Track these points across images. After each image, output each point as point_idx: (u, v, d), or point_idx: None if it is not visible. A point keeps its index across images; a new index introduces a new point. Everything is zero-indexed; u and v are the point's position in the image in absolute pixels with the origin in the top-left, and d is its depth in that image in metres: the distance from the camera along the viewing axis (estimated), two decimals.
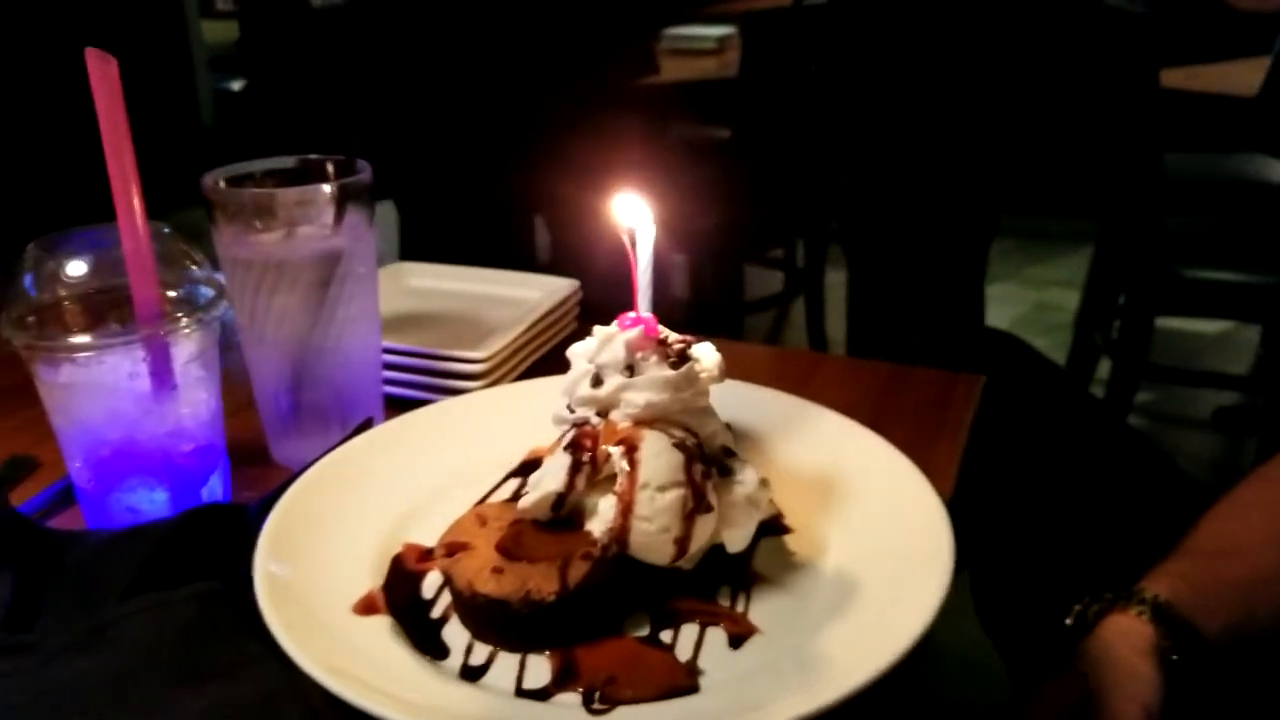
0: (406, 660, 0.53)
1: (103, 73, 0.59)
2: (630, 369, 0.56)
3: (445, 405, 0.76)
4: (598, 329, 0.58)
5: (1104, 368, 2.55)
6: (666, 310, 0.58)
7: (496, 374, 0.83)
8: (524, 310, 0.90)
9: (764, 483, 0.59)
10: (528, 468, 0.69)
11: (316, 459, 0.67)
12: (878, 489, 0.65)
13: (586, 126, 2.08)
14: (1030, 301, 3.56)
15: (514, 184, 2.23)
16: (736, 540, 0.58)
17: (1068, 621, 0.78)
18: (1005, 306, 3.43)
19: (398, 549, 0.62)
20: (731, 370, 0.60)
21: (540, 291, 0.95)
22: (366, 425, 0.74)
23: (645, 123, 2.51)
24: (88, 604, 0.57)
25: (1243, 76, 2.40)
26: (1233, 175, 2.54)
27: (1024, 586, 0.96)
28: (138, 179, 0.61)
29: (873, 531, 0.61)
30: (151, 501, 0.65)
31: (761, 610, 0.57)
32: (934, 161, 2.01)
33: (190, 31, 4.75)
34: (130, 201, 0.61)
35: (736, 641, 0.55)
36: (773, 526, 0.62)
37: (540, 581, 0.54)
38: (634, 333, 0.55)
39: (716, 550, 0.58)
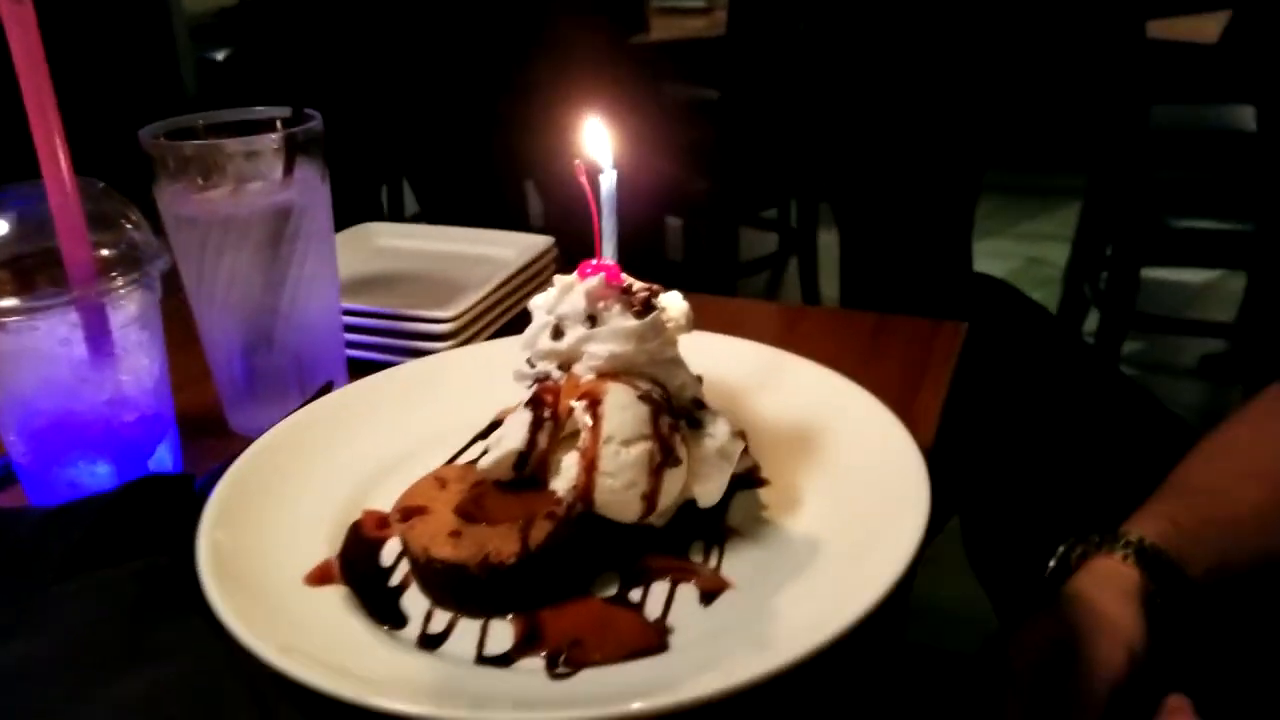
0: (361, 632, 0.50)
1: (17, 17, 0.55)
2: (592, 319, 0.52)
3: (411, 367, 0.73)
4: (558, 278, 0.55)
5: (1093, 320, 2.53)
6: (664, 273, 0.54)
7: (465, 334, 0.79)
8: (495, 269, 0.87)
9: (739, 435, 0.56)
10: (496, 430, 0.66)
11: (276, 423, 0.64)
12: (856, 439, 0.62)
13: (575, 86, 2.03)
14: (1021, 256, 3.53)
15: (505, 146, 2.19)
16: (708, 495, 0.55)
17: (1051, 564, 0.76)
18: (996, 261, 3.41)
19: (358, 516, 0.59)
20: (716, 325, 0.57)
21: (514, 249, 0.91)
22: (327, 389, 0.70)
23: (636, 83, 2.45)
24: (21, 586, 0.54)
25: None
26: (1214, 125, 2.50)
27: (1013, 529, 0.94)
28: (61, 130, 0.57)
29: (850, 483, 0.58)
30: (94, 475, 0.62)
31: (735, 565, 0.54)
32: (919, 116, 1.98)
33: (171, 1, 4.66)
34: (55, 153, 0.57)
35: (708, 598, 0.52)
36: (748, 480, 0.60)
37: (500, 544, 0.51)
38: (594, 281, 0.52)
39: (689, 505, 0.56)
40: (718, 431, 0.55)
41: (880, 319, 0.88)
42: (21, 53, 0.56)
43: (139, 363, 0.61)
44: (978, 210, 2.20)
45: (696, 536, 0.56)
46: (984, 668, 0.70)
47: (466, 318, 0.79)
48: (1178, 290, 3.10)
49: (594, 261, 0.54)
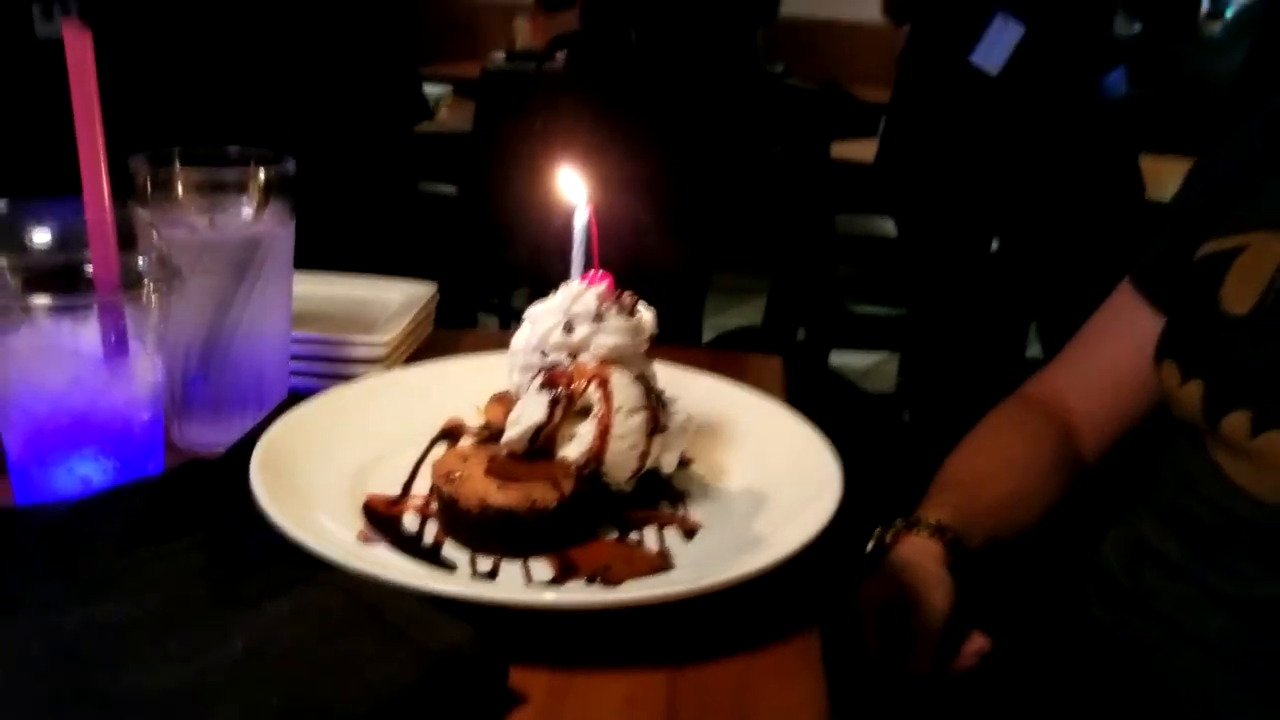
0: (425, 571, 0.60)
1: (77, 44, 0.62)
2: (599, 317, 0.67)
3: (368, 382, 0.81)
4: (562, 287, 0.69)
5: None
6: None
7: (391, 359, 0.89)
8: (395, 307, 0.97)
9: (689, 416, 0.72)
10: (450, 434, 0.77)
11: (248, 438, 0.70)
12: (756, 429, 0.79)
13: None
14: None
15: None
16: (670, 461, 0.70)
17: (870, 544, 0.97)
18: None
19: (358, 501, 0.68)
20: None
21: (399, 293, 1.01)
22: (289, 404, 0.77)
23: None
24: (80, 560, 0.58)
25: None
26: (877, 231, 3.03)
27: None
28: (105, 153, 0.63)
29: (761, 458, 0.76)
30: (102, 470, 0.66)
31: (697, 512, 0.70)
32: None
33: None
34: (99, 175, 0.63)
35: (690, 534, 0.67)
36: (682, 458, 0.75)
37: (540, 493, 0.63)
38: (602, 286, 0.67)
39: (648, 474, 0.70)
40: (679, 410, 0.71)
41: (716, 354, 1.07)
42: (77, 78, 0.62)
43: (152, 366, 0.67)
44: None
45: (659, 497, 0.71)
46: (838, 616, 0.89)
47: (394, 343, 0.89)
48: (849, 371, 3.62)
49: (594, 273, 0.69)
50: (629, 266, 2.05)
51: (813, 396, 1.29)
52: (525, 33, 4.63)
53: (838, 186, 2.84)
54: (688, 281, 2.36)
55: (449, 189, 2.88)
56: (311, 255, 0.91)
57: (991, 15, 2.27)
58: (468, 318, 2.83)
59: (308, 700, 0.47)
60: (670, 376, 0.85)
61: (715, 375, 0.86)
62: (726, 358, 1.07)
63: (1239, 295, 0.84)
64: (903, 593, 0.88)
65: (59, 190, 0.65)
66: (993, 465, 1.04)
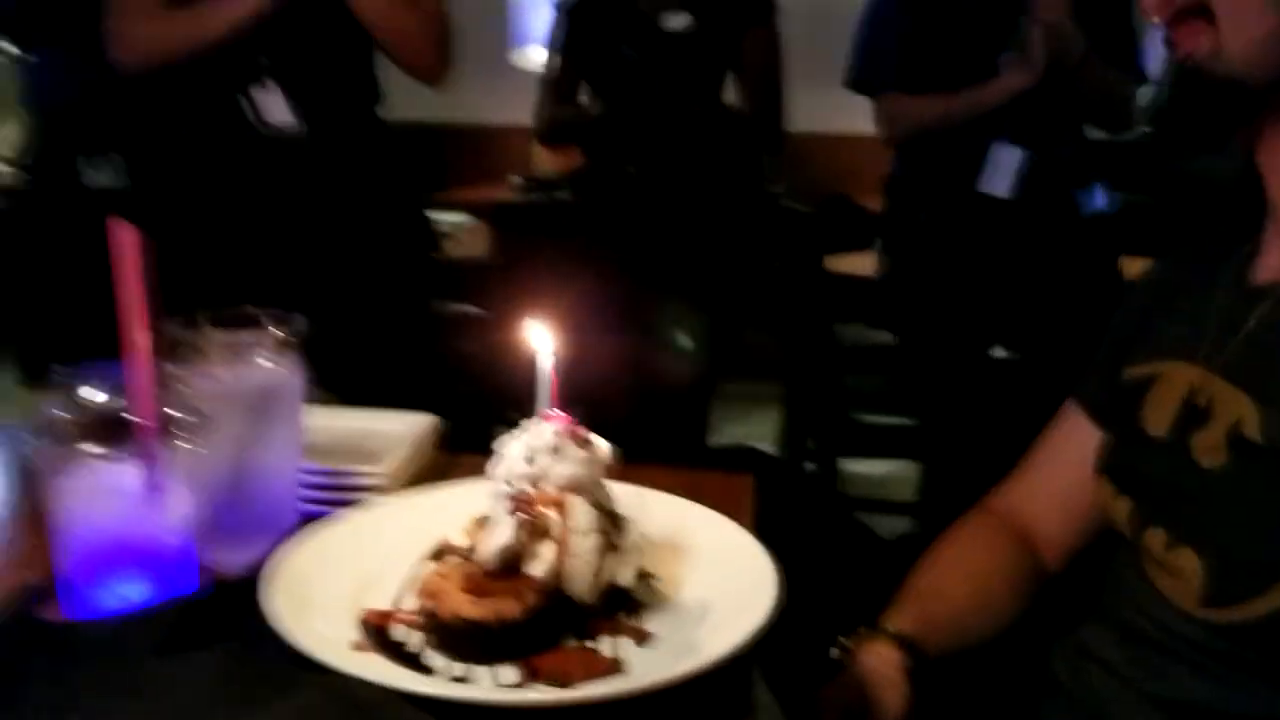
0: (409, 674, 0.71)
1: (124, 238, 0.76)
2: (557, 450, 0.78)
3: (370, 508, 0.93)
4: (524, 423, 0.81)
5: None
6: None
7: (390, 487, 1.01)
8: (396, 438, 1.09)
9: (642, 534, 0.83)
10: (439, 553, 0.88)
11: (264, 561, 0.82)
12: (709, 545, 0.90)
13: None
14: None
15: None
16: (627, 575, 0.81)
17: (834, 652, 1.06)
18: None
19: (357, 613, 0.79)
20: None
21: (403, 424, 1.13)
22: (301, 528, 0.89)
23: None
24: (120, 668, 0.69)
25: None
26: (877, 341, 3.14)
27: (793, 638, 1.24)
28: (146, 325, 0.77)
29: (712, 570, 0.86)
30: (138, 590, 0.77)
31: (651, 622, 0.80)
32: None
33: None
34: (139, 344, 0.76)
35: (641, 641, 0.77)
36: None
37: (506, 608, 0.73)
38: (560, 424, 0.79)
39: (611, 588, 0.81)
40: (633, 530, 0.81)
41: (689, 475, 1.17)
42: (122, 269, 0.75)
43: (183, 500, 0.79)
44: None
45: (618, 608, 0.81)
46: (801, 718, 0.97)
47: (395, 472, 1.01)
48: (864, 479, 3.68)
49: (552, 412, 0.80)
50: (631, 385, 2.19)
51: (803, 510, 1.39)
52: (544, 157, 4.89)
53: (838, 298, 2.97)
54: (691, 396, 2.48)
55: (475, 310, 3.04)
56: (335, 379, 1.04)
57: (988, 143, 2.41)
58: (483, 435, 2.95)
59: None
60: (637, 497, 0.96)
61: (677, 495, 0.96)
62: (704, 478, 1.17)
63: (1156, 420, 0.93)
64: (861, 696, 0.97)
65: (106, 351, 0.78)
66: (953, 576, 1.12)
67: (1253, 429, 0.80)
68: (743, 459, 1.48)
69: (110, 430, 0.76)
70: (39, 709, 0.66)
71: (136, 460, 0.76)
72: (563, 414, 0.81)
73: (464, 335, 2.45)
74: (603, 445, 0.82)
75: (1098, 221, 2.52)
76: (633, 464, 0.88)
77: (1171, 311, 0.98)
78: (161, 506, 0.77)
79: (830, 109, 3.13)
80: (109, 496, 0.75)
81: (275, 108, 1.95)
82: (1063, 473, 1.10)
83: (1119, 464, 0.97)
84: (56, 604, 0.78)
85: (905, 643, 1.01)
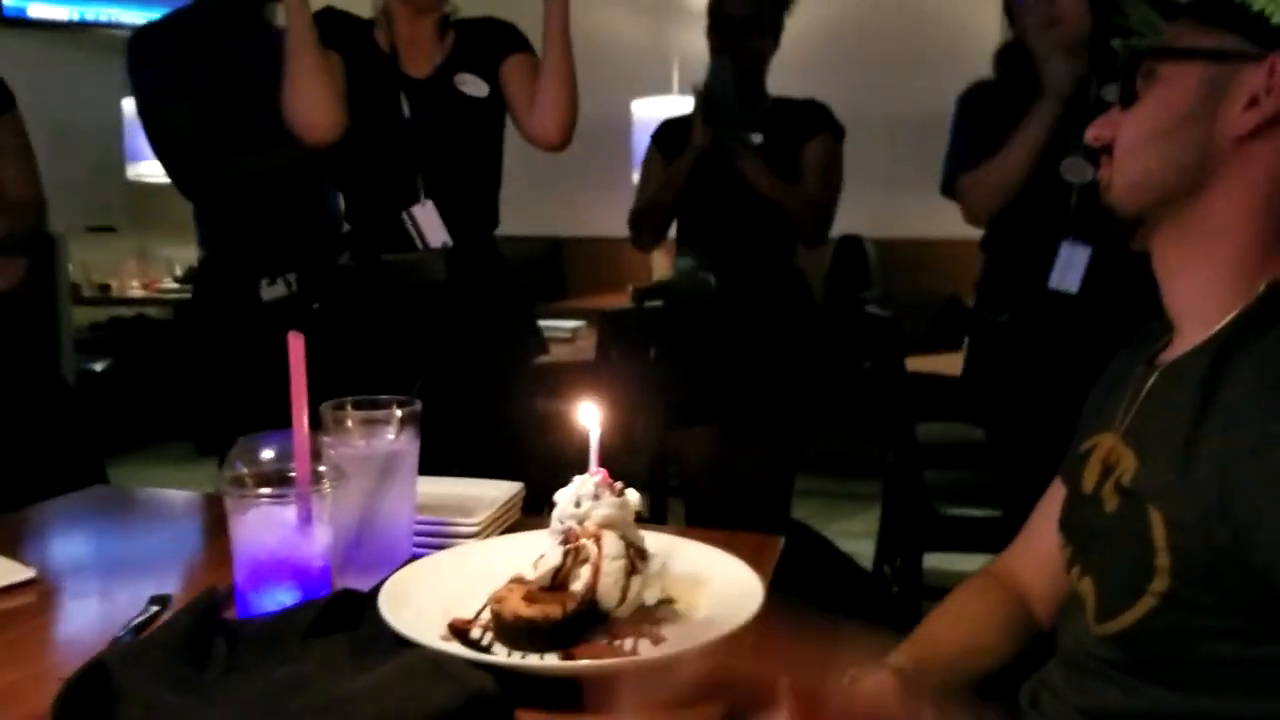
0: (475, 654, 0.97)
1: (295, 345, 1.07)
2: (596, 497, 1.04)
3: (463, 549, 1.21)
4: (577, 478, 1.07)
5: None
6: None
7: (481, 535, 1.28)
8: (488, 500, 1.37)
9: (664, 564, 1.07)
10: (514, 581, 1.14)
11: (382, 581, 1.09)
12: (720, 579, 1.13)
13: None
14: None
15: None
16: (651, 596, 1.05)
17: (845, 681, 1.26)
18: None
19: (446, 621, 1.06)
20: None
21: (496, 489, 1.42)
22: (406, 563, 1.17)
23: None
24: (272, 647, 0.97)
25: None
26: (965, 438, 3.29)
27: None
28: (306, 409, 1.07)
29: (718, 596, 1.09)
30: (293, 596, 1.06)
31: (666, 630, 1.03)
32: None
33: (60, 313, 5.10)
34: (303, 422, 1.07)
35: (655, 642, 1.01)
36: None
37: (552, 610, 0.99)
38: (599, 477, 1.05)
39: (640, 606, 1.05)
40: (655, 560, 1.06)
41: (725, 534, 1.41)
42: (295, 368, 1.07)
43: (326, 534, 1.08)
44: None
45: (643, 620, 1.05)
46: None
47: (484, 524, 1.28)
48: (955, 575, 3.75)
49: (595, 469, 1.07)
50: (713, 471, 2.42)
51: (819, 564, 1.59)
52: (662, 266, 5.25)
53: (922, 397, 3.15)
54: (771, 485, 2.69)
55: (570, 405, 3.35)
56: (445, 455, 1.31)
57: (1059, 242, 2.58)
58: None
59: (394, 709, 0.83)
60: (669, 543, 1.21)
61: (701, 543, 1.21)
62: (741, 537, 1.40)
63: (1088, 480, 1.13)
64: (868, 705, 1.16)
65: (278, 423, 1.09)
66: (949, 622, 1.31)
67: (1128, 478, 1.00)
68: (789, 528, 1.70)
69: (277, 481, 1.07)
70: (215, 667, 0.94)
71: (294, 504, 1.05)
72: (603, 470, 1.07)
73: (553, 429, 2.76)
74: (633, 494, 1.08)
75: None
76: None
77: (1114, 392, 1.19)
78: (311, 538, 1.06)
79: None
80: (273, 529, 1.05)
81: (431, 225, 2.25)
82: (1046, 535, 1.29)
83: (1066, 518, 1.16)
84: (234, 606, 1.08)
85: (901, 675, 1.20)
